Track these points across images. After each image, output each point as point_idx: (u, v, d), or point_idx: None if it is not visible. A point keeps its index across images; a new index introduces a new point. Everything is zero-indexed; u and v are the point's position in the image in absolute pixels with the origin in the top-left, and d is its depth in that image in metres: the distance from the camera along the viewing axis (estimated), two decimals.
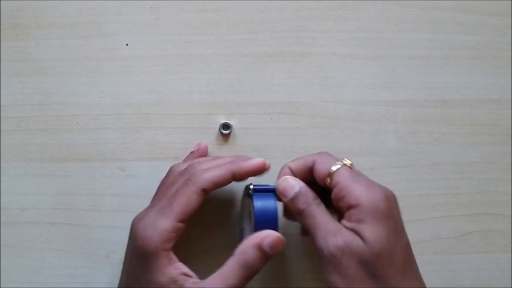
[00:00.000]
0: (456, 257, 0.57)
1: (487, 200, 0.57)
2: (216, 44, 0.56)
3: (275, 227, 0.48)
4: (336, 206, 0.48)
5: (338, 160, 0.49)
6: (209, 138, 0.56)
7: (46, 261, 0.56)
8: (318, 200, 0.48)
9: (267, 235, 0.47)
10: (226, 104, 0.56)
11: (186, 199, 0.48)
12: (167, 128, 0.56)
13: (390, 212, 0.46)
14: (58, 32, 0.56)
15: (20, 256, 0.56)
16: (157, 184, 0.55)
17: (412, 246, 0.45)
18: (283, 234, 0.47)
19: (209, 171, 0.49)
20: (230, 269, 0.46)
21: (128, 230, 0.49)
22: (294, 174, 0.50)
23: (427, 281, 0.54)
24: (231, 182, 0.50)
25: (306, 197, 0.48)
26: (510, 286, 0.57)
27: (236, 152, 0.56)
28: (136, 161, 0.56)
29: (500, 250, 0.57)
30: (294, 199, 0.48)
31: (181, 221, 0.47)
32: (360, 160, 0.56)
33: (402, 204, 0.55)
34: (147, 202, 0.51)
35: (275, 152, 0.56)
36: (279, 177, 0.50)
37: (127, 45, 0.56)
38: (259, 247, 0.47)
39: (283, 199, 0.49)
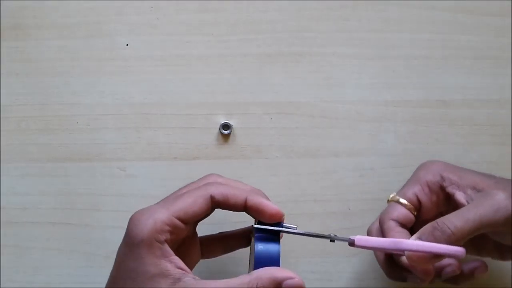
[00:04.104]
0: None
1: None
2: (216, 44, 0.56)
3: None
4: None
5: None
6: (209, 138, 0.56)
7: (46, 261, 0.56)
8: None
9: (291, 277, 0.44)
10: (226, 104, 0.56)
11: (191, 200, 0.46)
12: (167, 128, 0.56)
13: None
14: (58, 32, 0.56)
15: (20, 256, 0.56)
16: (157, 184, 0.55)
17: None
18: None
19: (225, 186, 0.47)
20: (239, 283, 0.43)
21: None
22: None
23: None
24: (242, 209, 0.47)
25: None
26: (510, 286, 0.57)
27: (236, 152, 0.56)
28: (136, 161, 0.56)
29: None
30: None
31: (180, 219, 0.45)
32: (360, 160, 0.56)
33: None
34: (147, 202, 0.50)
35: (275, 152, 0.56)
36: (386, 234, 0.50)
37: (127, 45, 0.56)
38: (278, 283, 0.43)
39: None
